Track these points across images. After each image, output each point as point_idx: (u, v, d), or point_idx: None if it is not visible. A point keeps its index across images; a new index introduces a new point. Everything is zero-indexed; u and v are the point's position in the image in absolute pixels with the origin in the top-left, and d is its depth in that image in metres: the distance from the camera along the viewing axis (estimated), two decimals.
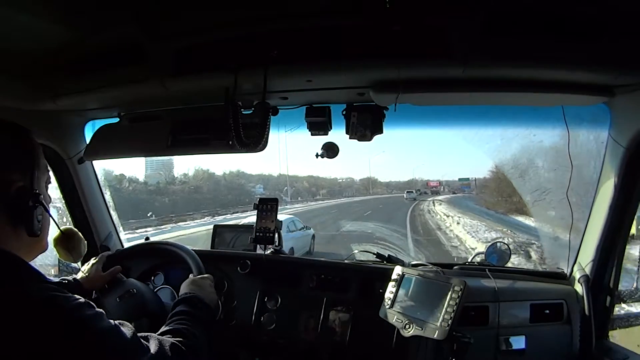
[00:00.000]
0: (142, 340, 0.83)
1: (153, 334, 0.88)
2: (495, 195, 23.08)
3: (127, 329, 0.81)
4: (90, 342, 0.73)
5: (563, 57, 1.05)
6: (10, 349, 0.67)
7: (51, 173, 1.67)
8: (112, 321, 0.79)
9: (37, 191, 0.81)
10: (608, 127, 1.31)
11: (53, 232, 1.08)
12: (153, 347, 0.83)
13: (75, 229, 1.22)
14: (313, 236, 10.82)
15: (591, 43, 1.02)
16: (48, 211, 0.86)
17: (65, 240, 1.14)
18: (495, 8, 1.03)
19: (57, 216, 1.75)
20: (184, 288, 1.20)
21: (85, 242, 1.22)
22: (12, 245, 0.77)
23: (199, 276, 1.30)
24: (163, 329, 0.96)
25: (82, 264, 1.45)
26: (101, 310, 0.79)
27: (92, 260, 1.39)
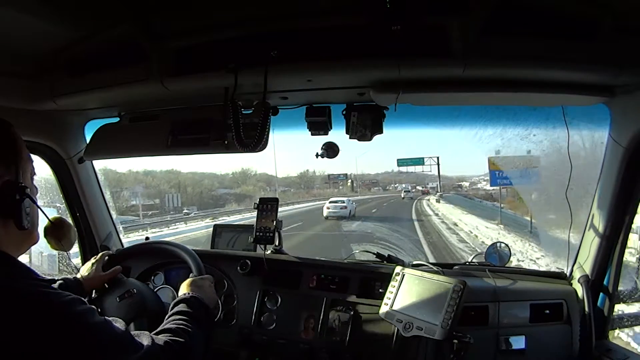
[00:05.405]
0: (134, 337, 0.82)
1: (146, 332, 0.88)
2: None
3: (119, 325, 0.81)
4: (82, 338, 0.73)
5: (563, 57, 1.05)
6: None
7: (51, 173, 1.73)
8: (104, 317, 0.79)
9: (23, 184, 0.80)
10: (608, 127, 1.30)
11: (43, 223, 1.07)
12: (145, 343, 0.83)
13: (64, 218, 1.20)
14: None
15: (591, 43, 1.02)
16: (36, 203, 0.85)
17: (54, 230, 1.13)
18: (495, 8, 1.03)
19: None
20: (183, 289, 1.19)
21: (75, 229, 1.21)
22: (1, 241, 0.76)
23: (199, 277, 1.29)
24: (159, 328, 0.96)
25: (83, 263, 1.45)
26: (93, 306, 0.79)
27: (92, 260, 1.38)
